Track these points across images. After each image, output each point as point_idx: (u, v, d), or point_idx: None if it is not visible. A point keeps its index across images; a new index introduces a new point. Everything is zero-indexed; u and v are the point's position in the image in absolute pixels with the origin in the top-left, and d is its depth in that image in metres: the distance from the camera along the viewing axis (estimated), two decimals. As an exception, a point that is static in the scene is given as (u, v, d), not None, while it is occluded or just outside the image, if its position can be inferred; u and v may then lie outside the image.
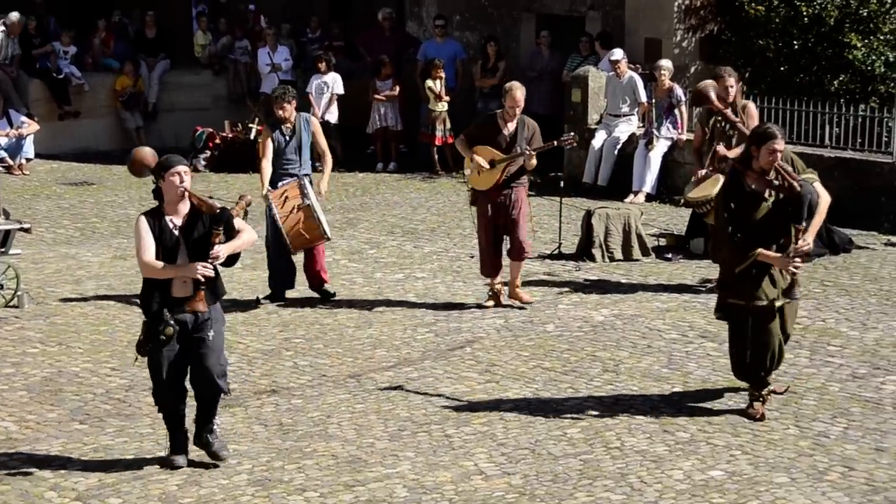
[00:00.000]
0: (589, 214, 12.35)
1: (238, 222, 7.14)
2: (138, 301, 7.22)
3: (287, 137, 10.68)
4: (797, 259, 7.71)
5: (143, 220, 7.04)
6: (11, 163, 16.43)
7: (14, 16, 17.61)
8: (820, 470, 7.12)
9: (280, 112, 10.70)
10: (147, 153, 8.55)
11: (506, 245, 10.65)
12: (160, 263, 6.96)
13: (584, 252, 12.18)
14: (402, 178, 16.78)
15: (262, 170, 10.64)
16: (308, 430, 7.79)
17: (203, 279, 6.95)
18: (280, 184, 10.61)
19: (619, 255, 12.19)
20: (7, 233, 10.47)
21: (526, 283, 10.89)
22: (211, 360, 7.08)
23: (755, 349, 7.83)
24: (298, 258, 10.82)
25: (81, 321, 10.11)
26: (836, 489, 6.88)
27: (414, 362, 9.16)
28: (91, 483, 6.96)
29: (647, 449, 7.45)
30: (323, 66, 17.13)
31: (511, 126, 10.39)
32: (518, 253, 10.49)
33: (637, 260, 12.15)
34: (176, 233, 7.00)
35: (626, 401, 8.27)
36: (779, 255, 7.71)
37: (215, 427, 7.23)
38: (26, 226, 10.72)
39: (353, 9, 20.35)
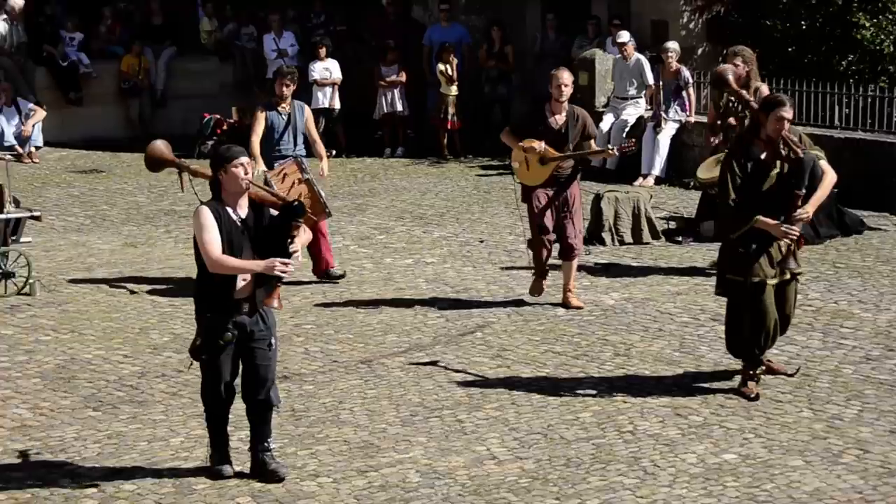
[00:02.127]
0: (598, 198, 12.34)
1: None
2: (193, 301, 6.79)
3: (283, 119, 10.75)
4: (794, 228, 7.71)
5: (207, 210, 6.51)
6: (21, 151, 16.46)
7: (15, 1, 17.58)
8: (834, 453, 7.12)
9: (281, 89, 10.75)
10: (160, 147, 8.54)
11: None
12: (231, 259, 6.46)
13: (593, 236, 12.16)
14: (410, 163, 16.78)
15: (252, 146, 10.58)
16: (320, 415, 7.80)
17: (281, 275, 6.52)
18: (277, 164, 10.64)
19: (628, 238, 12.18)
20: (18, 221, 10.48)
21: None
22: (269, 371, 6.74)
23: (750, 326, 7.85)
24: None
25: (93, 308, 10.12)
26: (851, 472, 6.87)
27: (425, 347, 9.16)
28: (105, 470, 6.97)
29: (659, 433, 7.45)
30: (322, 51, 17.11)
31: (560, 118, 9.84)
32: (568, 252, 9.98)
33: (647, 243, 12.14)
34: (240, 225, 6.54)
35: (638, 384, 8.27)
36: (776, 222, 7.71)
37: (271, 445, 6.89)
38: (37, 214, 10.73)
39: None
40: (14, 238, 10.48)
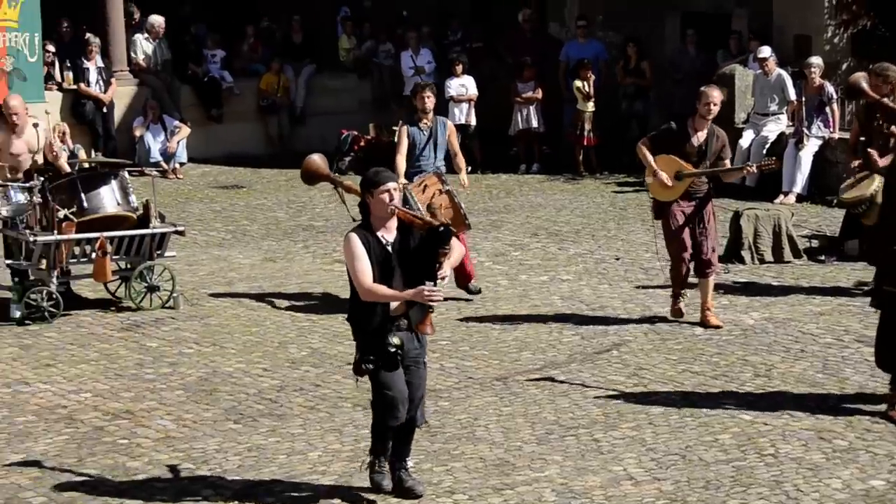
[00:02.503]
0: (737, 216, 12.14)
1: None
2: (349, 320, 6.76)
3: (424, 135, 10.78)
4: None
5: (356, 238, 6.54)
6: (166, 167, 16.88)
7: (155, 19, 18.05)
8: None
9: (419, 103, 10.79)
10: (317, 161, 8.70)
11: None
12: (383, 288, 6.48)
13: (732, 254, 11.97)
14: (545, 179, 16.74)
15: (397, 163, 10.68)
16: (456, 432, 7.80)
17: (430, 303, 6.51)
18: (416, 177, 10.70)
19: (769, 257, 11.95)
20: (163, 236, 10.73)
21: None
22: (421, 389, 6.77)
23: None
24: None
25: (234, 322, 10.31)
26: None
27: (560, 365, 9.11)
28: (246, 482, 7.08)
29: (802, 456, 7.27)
30: (459, 68, 17.20)
31: (702, 135, 9.75)
32: (704, 269, 9.86)
33: (788, 262, 11.90)
34: (389, 250, 6.55)
35: (779, 406, 8.09)
36: None
37: (410, 463, 6.90)
38: (181, 229, 10.95)
39: (494, 11, 20.36)
40: (159, 252, 10.73)
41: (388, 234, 6.58)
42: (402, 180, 10.53)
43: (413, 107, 11.20)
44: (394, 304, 6.59)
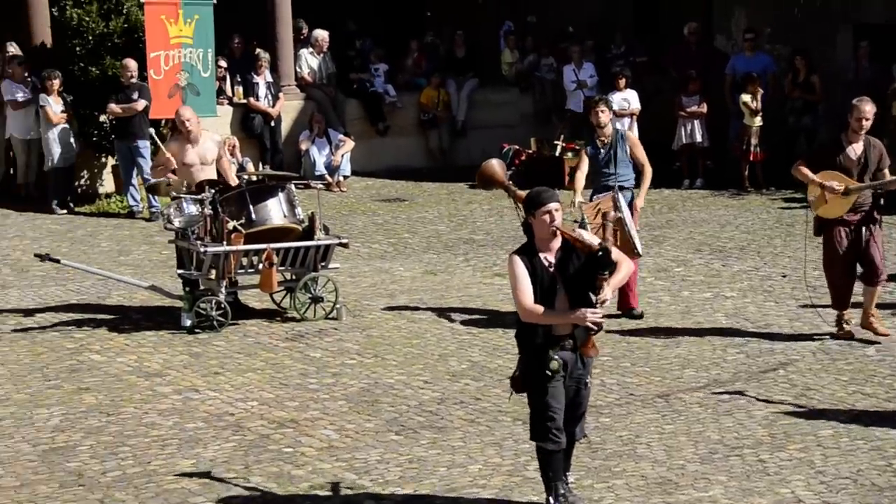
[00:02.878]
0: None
1: (615, 253, 6.58)
2: (516, 337, 6.71)
3: (601, 151, 10.70)
4: None
5: (518, 260, 6.53)
6: (330, 180, 17.17)
7: (320, 33, 18.38)
8: None
9: (593, 118, 10.73)
10: (494, 167, 8.77)
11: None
12: (541, 309, 6.44)
13: (904, 273, 11.60)
14: (709, 194, 16.49)
15: (576, 181, 10.68)
16: (616, 448, 7.72)
17: (591, 326, 6.45)
18: (595, 197, 10.61)
19: (944, 275, 11.54)
20: (327, 247, 10.90)
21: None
22: (583, 407, 6.73)
23: None
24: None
25: (395, 334, 10.41)
26: None
27: (724, 383, 8.95)
28: (406, 493, 7.12)
29: (980, 484, 6.99)
30: (622, 82, 17.07)
31: (858, 147, 9.60)
32: (872, 277, 9.67)
33: (964, 281, 11.47)
34: (552, 270, 6.50)
35: (956, 432, 7.79)
36: None
37: (570, 478, 6.84)
38: (344, 241, 11.10)
39: (659, 24, 20.17)
40: (323, 264, 10.90)
41: (551, 254, 6.53)
42: (579, 198, 10.48)
43: (579, 126, 11.12)
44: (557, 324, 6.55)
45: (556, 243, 6.54)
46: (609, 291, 6.45)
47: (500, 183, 8.83)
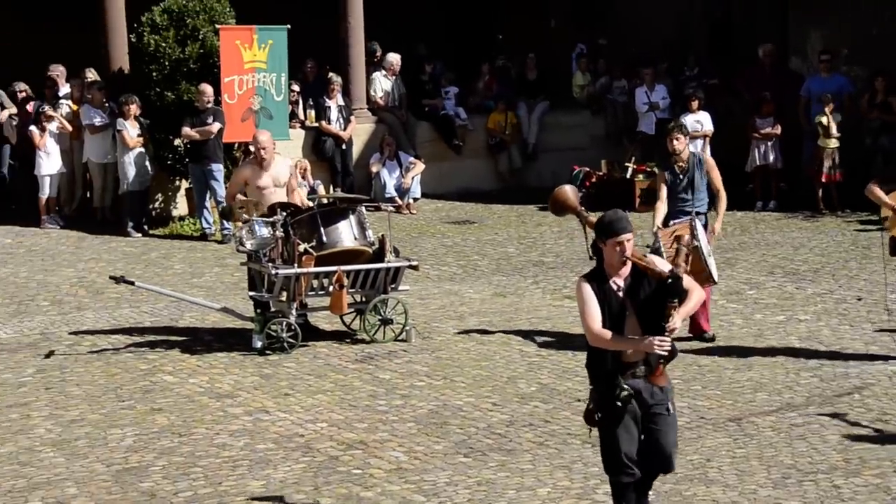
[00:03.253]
0: None
1: (686, 281, 6.41)
2: (586, 366, 6.58)
3: (679, 177, 10.64)
4: None
5: (586, 285, 6.44)
6: (400, 202, 17.24)
7: (393, 57, 18.51)
8: None
9: (669, 145, 10.68)
10: (567, 193, 8.77)
11: None
12: (609, 334, 6.33)
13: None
14: (782, 216, 16.32)
15: (656, 209, 10.65)
16: (687, 472, 7.65)
17: (660, 353, 6.33)
18: (672, 222, 10.54)
19: None
20: (397, 270, 10.94)
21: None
22: (669, 436, 6.48)
23: None
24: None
25: (464, 356, 10.41)
26: None
27: (797, 407, 8.83)
28: (474, 515, 7.12)
29: None
30: (695, 104, 16.97)
31: None
32: None
33: None
34: (621, 295, 6.41)
35: None
36: None
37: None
38: (414, 263, 11.14)
39: (733, 46, 20.04)
40: (393, 286, 10.95)
41: (621, 279, 6.44)
42: (658, 224, 10.42)
43: (651, 149, 11.07)
44: (628, 351, 6.44)
45: (627, 269, 6.45)
46: (678, 320, 6.34)
47: (574, 209, 8.82)
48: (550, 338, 10.90)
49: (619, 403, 6.32)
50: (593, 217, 9.20)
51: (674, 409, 6.50)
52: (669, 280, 6.29)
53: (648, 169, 16.89)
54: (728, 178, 17.03)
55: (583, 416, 6.57)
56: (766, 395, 9.15)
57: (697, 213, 10.49)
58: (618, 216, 6.45)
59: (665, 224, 10.49)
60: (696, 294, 6.48)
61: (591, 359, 6.51)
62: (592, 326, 6.36)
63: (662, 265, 6.47)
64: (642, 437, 6.45)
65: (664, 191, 10.64)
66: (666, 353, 6.34)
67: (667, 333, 6.29)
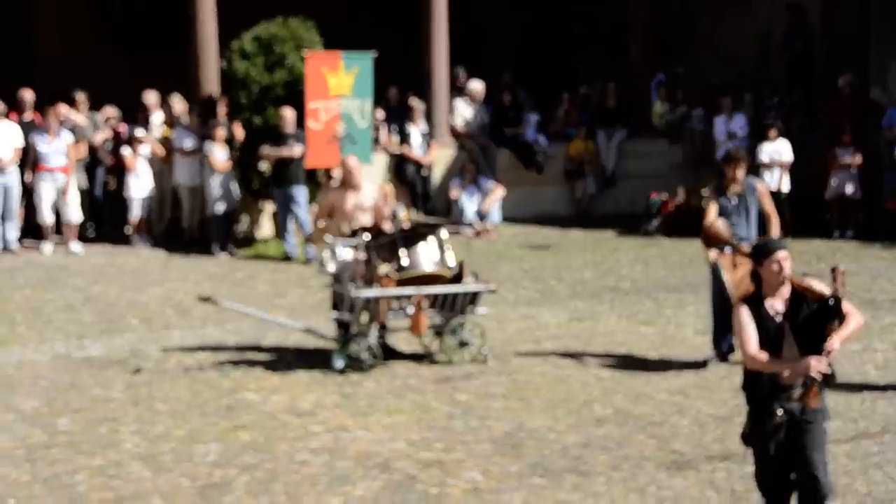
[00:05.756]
0: None
1: (845, 305, 6.36)
2: (742, 388, 6.60)
3: (733, 203, 10.71)
4: None
5: (743, 307, 6.49)
6: (479, 227, 17.44)
7: (476, 85, 18.74)
8: None
9: (728, 171, 10.76)
10: (720, 226, 9.01)
11: None
12: (766, 356, 6.36)
13: None
14: (860, 246, 16.26)
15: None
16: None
17: (815, 375, 6.29)
18: (727, 250, 10.61)
19: None
20: (476, 293, 11.13)
21: None
22: (815, 455, 6.42)
23: None
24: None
25: (540, 379, 10.54)
26: None
27: (873, 436, 8.84)
28: (548, 535, 7.24)
29: None
30: (773, 133, 16.99)
31: None
32: None
33: None
34: (778, 319, 6.41)
35: None
36: None
37: None
38: (492, 287, 11.31)
39: (813, 76, 20.02)
40: (472, 309, 11.12)
41: (780, 301, 6.47)
42: (713, 255, 10.50)
43: (722, 173, 11.14)
44: (785, 373, 6.44)
45: (786, 291, 6.46)
46: (837, 341, 6.31)
47: (727, 241, 9.02)
48: (625, 362, 11.00)
49: (773, 425, 6.36)
50: (746, 247, 9.45)
51: (827, 431, 6.50)
52: (831, 301, 6.30)
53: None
54: (804, 206, 17.14)
55: (740, 436, 6.65)
56: (841, 422, 9.16)
57: (741, 239, 10.55)
58: (771, 239, 6.62)
59: (722, 249, 10.53)
60: (855, 318, 6.46)
61: (747, 381, 6.56)
62: (749, 349, 6.41)
63: (822, 288, 6.47)
64: (794, 456, 6.46)
65: (713, 215, 10.66)
66: (823, 376, 6.31)
67: (825, 355, 6.28)
